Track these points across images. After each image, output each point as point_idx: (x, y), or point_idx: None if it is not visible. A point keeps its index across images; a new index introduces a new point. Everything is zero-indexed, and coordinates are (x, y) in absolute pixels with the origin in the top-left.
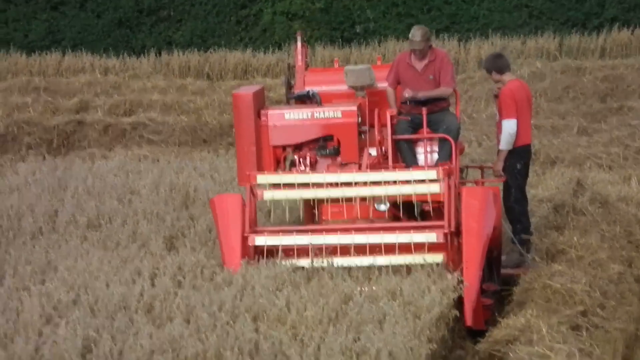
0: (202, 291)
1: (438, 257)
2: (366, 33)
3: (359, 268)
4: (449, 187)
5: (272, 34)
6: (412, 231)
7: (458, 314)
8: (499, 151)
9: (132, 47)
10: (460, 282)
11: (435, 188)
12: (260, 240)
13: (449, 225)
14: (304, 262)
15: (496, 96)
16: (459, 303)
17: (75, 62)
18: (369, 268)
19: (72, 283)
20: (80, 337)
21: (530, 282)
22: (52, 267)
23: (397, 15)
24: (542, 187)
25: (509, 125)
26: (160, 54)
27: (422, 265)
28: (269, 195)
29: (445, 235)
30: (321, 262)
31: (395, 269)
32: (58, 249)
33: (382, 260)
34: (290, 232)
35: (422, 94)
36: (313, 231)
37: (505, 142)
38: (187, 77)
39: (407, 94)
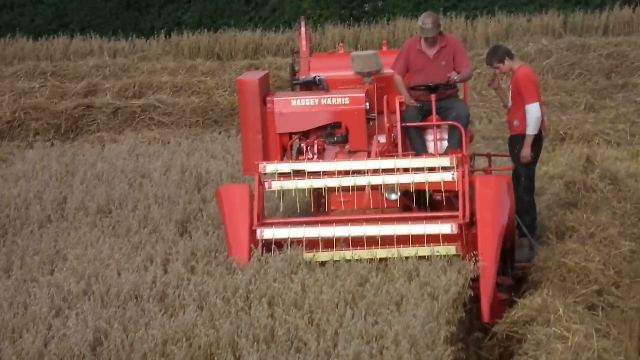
0: (215, 276)
1: (451, 249)
2: (375, 11)
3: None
4: (463, 176)
5: (281, 13)
6: (425, 222)
7: (473, 294)
8: (525, 137)
9: (140, 29)
10: (476, 262)
11: (447, 176)
12: (269, 234)
13: (464, 216)
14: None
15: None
16: (476, 292)
17: (83, 46)
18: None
19: (82, 272)
20: (91, 330)
21: (545, 261)
22: (61, 257)
23: None
24: (552, 164)
25: (535, 109)
26: (169, 35)
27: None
28: (277, 184)
29: (460, 226)
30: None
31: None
32: (67, 237)
33: (393, 252)
34: (299, 223)
35: (458, 77)
36: (322, 222)
37: (533, 126)
38: (197, 58)
39: (455, 76)
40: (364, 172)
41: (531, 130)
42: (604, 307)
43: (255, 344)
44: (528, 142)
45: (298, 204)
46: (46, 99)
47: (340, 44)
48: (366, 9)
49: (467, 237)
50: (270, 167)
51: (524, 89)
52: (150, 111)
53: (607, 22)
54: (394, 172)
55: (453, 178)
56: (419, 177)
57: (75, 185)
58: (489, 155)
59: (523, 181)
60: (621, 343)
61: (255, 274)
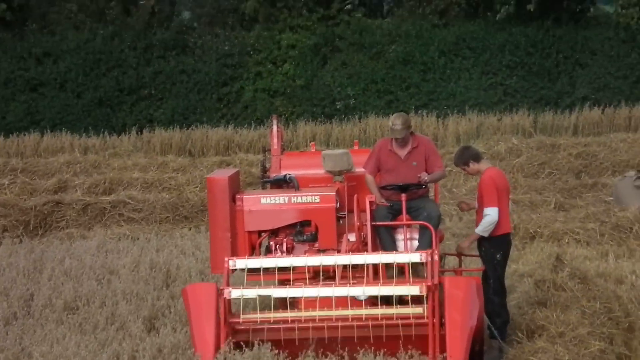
0: None
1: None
2: (347, 109)
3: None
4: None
5: (253, 110)
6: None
7: None
8: (473, 233)
9: (112, 126)
10: None
11: (415, 290)
12: (236, 293)
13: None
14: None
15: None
16: None
17: (55, 142)
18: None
19: None
20: None
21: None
22: (26, 354)
23: (377, 92)
24: (522, 262)
25: (492, 213)
26: (141, 132)
27: None
28: (237, 293)
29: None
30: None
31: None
32: (33, 334)
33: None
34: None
35: (428, 178)
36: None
37: (484, 228)
38: (169, 154)
39: (425, 176)
40: (331, 276)
41: (480, 230)
42: None
43: None
44: (471, 238)
45: (258, 305)
46: (15, 195)
47: (312, 143)
48: (338, 106)
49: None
50: (240, 263)
51: (485, 192)
52: (120, 207)
53: (577, 123)
54: (360, 277)
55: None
56: (386, 290)
57: (42, 281)
58: (459, 255)
59: (492, 283)
60: None
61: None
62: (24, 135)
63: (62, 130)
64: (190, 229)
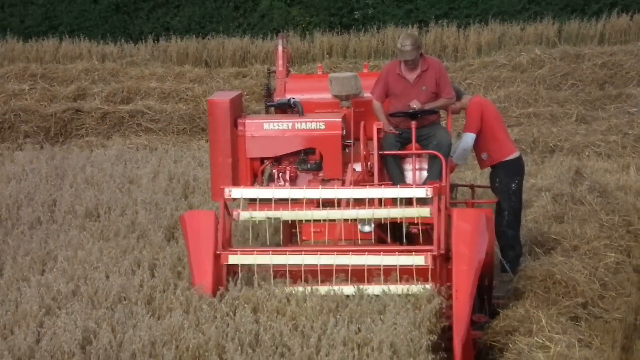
0: None
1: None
2: (365, 19)
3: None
4: (439, 209)
5: (270, 20)
6: (397, 253)
7: None
8: (454, 156)
9: (129, 34)
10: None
11: (424, 212)
12: (234, 259)
13: (438, 248)
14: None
15: None
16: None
17: (73, 49)
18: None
19: (72, 274)
20: (80, 329)
21: (531, 272)
22: (51, 258)
23: (396, 1)
24: (541, 176)
25: (467, 138)
26: (158, 40)
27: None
28: (245, 214)
29: (434, 257)
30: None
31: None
32: (57, 239)
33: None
34: (266, 252)
35: (428, 106)
36: (291, 251)
37: (457, 155)
38: (185, 64)
39: (415, 104)
40: (337, 203)
41: (455, 158)
42: (587, 319)
43: (241, 347)
44: (450, 166)
45: (268, 235)
46: (36, 101)
47: (319, 65)
48: (356, 16)
49: (442, 271)
50: (235, 192)
51: (467, 117)
52: (138, 117)
53: (604, 31)
54: (368, 204)
55: (430, 212)
56: (396, 212)
57: (64, 188)
58: (472, 187)
59: (506, 215)
60: (603, 353)
61: (241, 281)
62: (43, 40)
63: (80, 37)
64: (207, 141)
